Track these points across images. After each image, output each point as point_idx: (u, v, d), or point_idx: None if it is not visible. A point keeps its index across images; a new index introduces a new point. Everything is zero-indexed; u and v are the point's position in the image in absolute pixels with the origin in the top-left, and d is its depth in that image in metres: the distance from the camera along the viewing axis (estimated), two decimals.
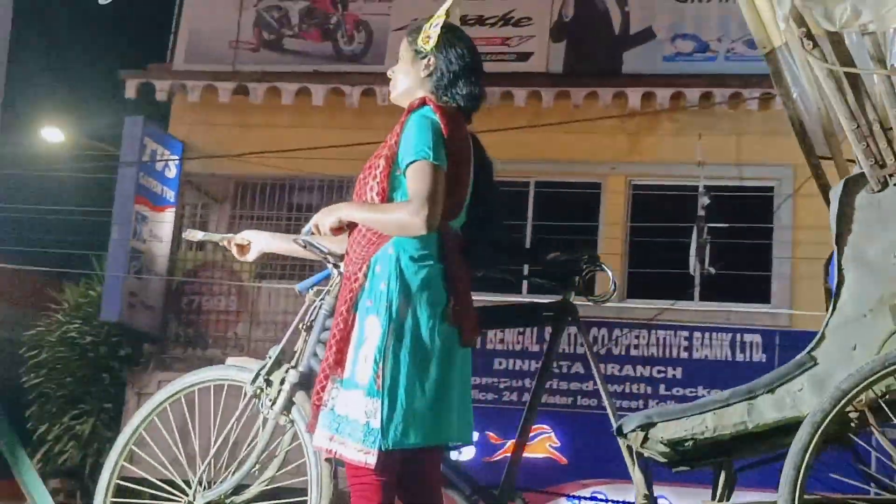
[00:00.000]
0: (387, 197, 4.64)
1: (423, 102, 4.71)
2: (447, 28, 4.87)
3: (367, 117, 18.51)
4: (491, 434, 17.73)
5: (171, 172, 18.72)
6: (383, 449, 4.49)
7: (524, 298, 14.48)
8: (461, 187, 4.77)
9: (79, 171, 20.00)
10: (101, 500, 5.35)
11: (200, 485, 5.21)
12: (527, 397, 15.87)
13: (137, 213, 17.98)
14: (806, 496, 4.49)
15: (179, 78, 19.01)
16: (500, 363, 18.15)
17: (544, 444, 17.78)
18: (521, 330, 18.12)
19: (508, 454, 11.32)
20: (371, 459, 4.51)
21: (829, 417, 4.47)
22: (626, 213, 18.39)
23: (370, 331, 4.58)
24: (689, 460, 5.08)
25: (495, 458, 17.65)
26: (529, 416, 5.20)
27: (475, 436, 4.82)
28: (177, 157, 18.73)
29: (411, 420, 4.55)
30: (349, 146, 17.62)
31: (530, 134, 17.97)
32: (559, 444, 17.64)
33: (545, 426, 17.75)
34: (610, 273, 5.38)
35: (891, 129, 4.67)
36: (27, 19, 24.45)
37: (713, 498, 4.99)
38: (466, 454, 17.41)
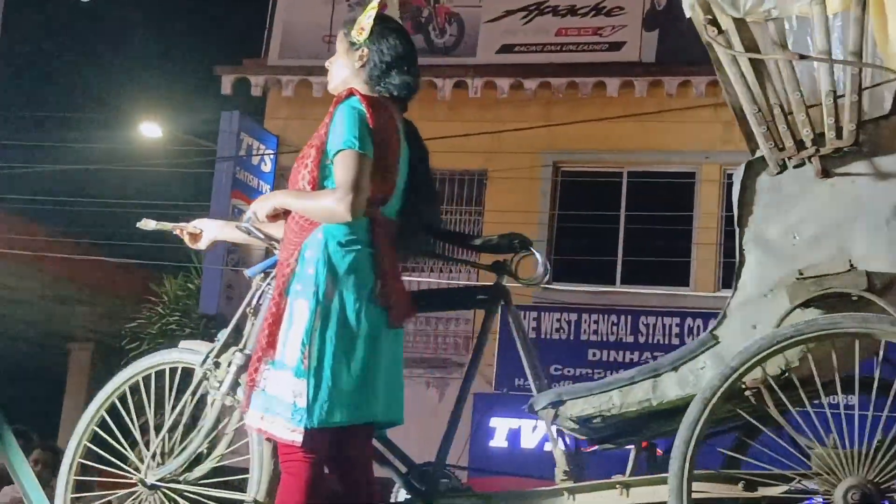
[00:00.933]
0: (317, 185, 4.76)
1: (350, 93, 4.80)
2: (380, 19, 4.98)
3: (458, 109, 18.67)
4: None
5: (267, 166, 18.95)
6: (309, 427, 4.59)
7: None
8: (390, 174, 4.88)
9: (177, 166, 20.28)
10: (64, 477, 5.52)
11: (154, 459, 5.36)
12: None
13: (234, 207, 18.15)
14: (696, 472, 4.53)
15: (274, 73, 19.20)
16: (595, 354, 18.29)
17: None
18: (616, 321, 18.30)
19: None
20: (298, 438, 4.61)
21: (718, 394, 4.49)
22: (720, 203, 18.22)
23: (299, 314, 4.69)
24: (605, 438, 5.13)
25: (591, 449, 17.83)
26: (462, 395, 5.28)
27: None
28: (272, 152, 18.94)
29: (337, 399, 4.66)
30: (441, 138, 17.78)
31: (623, 124, 18.03)
32: None
33: None
34: (539, 257, 5.41)
35: (791, 113, 4.70)
36: (126, 16, 24.85)
37: (626, 475, 5.01)
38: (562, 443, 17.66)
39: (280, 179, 19.06)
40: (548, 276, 5.52)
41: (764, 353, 4.47)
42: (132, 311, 18.87)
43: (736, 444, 5.16)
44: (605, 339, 18.35)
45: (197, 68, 21.42)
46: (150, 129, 21.16)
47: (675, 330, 18.05)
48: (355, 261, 4.73)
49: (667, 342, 17.90)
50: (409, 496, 5.21)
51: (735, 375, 4.49)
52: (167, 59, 23.32)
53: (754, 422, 4.62)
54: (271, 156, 18.99)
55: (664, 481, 4.52)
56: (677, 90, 18.42)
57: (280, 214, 4.92)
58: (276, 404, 4.68)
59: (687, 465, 4.46)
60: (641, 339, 18.18)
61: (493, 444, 18.11)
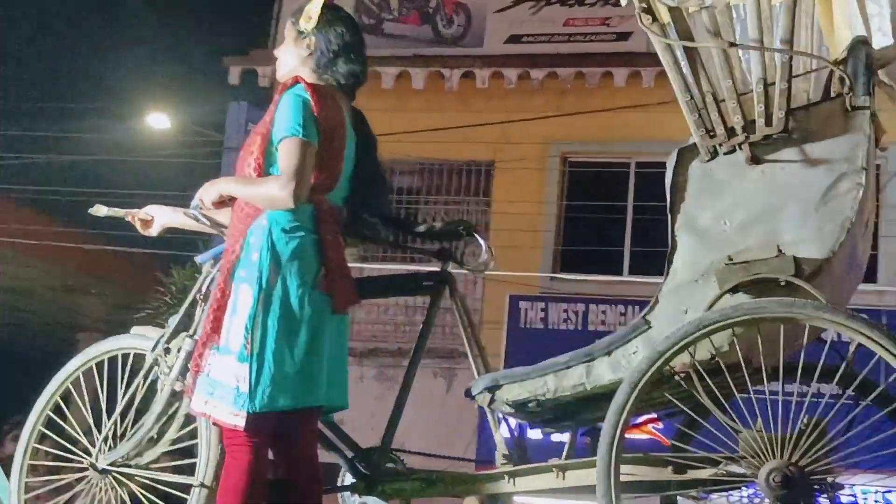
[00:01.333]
0: (262, 171, 4.82)
1: (295, 81, 4.87)
2: (327, 8, 5.02)
3: (466, 100, 18.70)
4: None
5: None
6: (251, 412, 4.64)
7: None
8: (335, 161, 4.94)
9: (185, 157, 20.34)
10: (19, 461, 5.63)
11: (105, 443, 5.44)
12: None
13: None
14: (625, 455, 4.61)
15: None
16: None
17: (648, 427, 17.86)
18: (623, 311, 18.31)
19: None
20: (240, 422, 4.67)
21: (645, 378, 4.55)
22: None
23: (243, 300, 4.74)
24: (544, 422, 5.28)
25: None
26: (407, 382, 5.34)
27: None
28: None
29: (279, 384, 4.71)
30: (449, 129, 17.86)
31: (631, 114, 18.03)
32: (662, 427, 17.72)
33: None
34: (483, 243, 5.52)
35: (723, 100, 4.75)
36: (134, 7, 24.95)
37: (562, 459, 5.12)
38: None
39: None
40: (492, 263, 5.56)
41: (690, 338, 4.53)
42: (140, 300, 18.95)
43: (678, 433, 5.25)
44: (613, 329, 18.24)
45: (205, 59, 21.49)
46: (159, 120, 21.19)
47: None
48: (299, 247, 4.78)
49: None
50: (354, 479, 5.27)
51: (661, 360, 4.56)
52: (175, 50, 23.41)
53: (682, 406, 4.70)
54: None
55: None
56: None
57: (226, 201, 4.95)
58: (220, 389, 4.73)
59: (615, 448, 4.53)
60: None
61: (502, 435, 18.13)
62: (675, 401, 4.69)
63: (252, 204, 4.82)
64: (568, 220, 18.99)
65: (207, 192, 4.97)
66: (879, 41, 4.93)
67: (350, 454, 5.31)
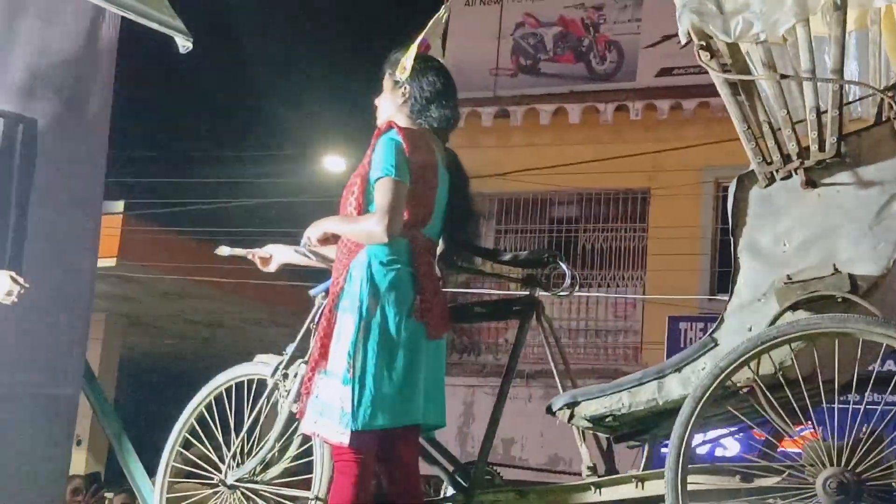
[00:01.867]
0: (362, 210, 4.98)
1: (388, 126, 5.03)
2: (421, 59, 5.20)
3: (620, 132, 18.79)
4: (756, 431, 17.80)
5: None
6: (354, 430, 4.81)
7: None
8: (427, 198, 5.09)
9: None
10: (161, 477, 5.87)
11: (234, 460, 5.66)
12: None
13: None
14: (693, 465, 4.64)
15: None
16: None
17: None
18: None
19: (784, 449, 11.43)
20: (345, 439, 4.84)
21: (708, 392, 4.57)
22: None
23: (346, 328, 4.91)
24: (622, 436, 5.29)
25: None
26: (501, 398, 5.42)
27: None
28: None
29: (379, 404, 4.86)
30: (605, 160, 17.95)
31: None
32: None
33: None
34: (566, 269, 5.53)
35: (779, 129, 4.77)
36: (310, 56, 25.38)
37: (640, 470, 5.15)
38: (732, 450, 17.65)
39: None
40: (576, 287, 5.63)
41: (750, 354, 4.56)
42: None
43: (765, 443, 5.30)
44: None
45: (368, 102, 21.65)
46: (335, 163, 21.63)
47: None
48: (396, 279, 4.94)
49: None
50: (455, 491, 5.37)
51: (723, 375, 4.59)
52: (350, 94, 23.75)
53: (746, 420, 4.77)
54: None
55: None
56: None
57: (330, 238, 5.16)
58: (327, 409, 4.91)
59: (681, 459, 4.57)
60: None
61: (665, 450, 18.12)
62: (738, 414, 4.72)
63: (353, 240, 5.00)
64: (723, 243, 18.90)
65: (313, 231, 5.17)
66: None
67: (451, 468, 5.41)
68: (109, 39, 7.07)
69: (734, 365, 4.59)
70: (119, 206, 18.56)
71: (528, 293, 5.54)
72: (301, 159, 22.38)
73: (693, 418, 4.61)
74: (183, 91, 23.71)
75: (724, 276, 18.59)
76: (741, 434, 5.77)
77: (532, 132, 19.05)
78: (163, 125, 24.34)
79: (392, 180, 4.89)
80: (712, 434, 5.48)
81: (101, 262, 10.23)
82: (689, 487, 4.60)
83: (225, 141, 24.53)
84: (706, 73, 15.81)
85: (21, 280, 5.83)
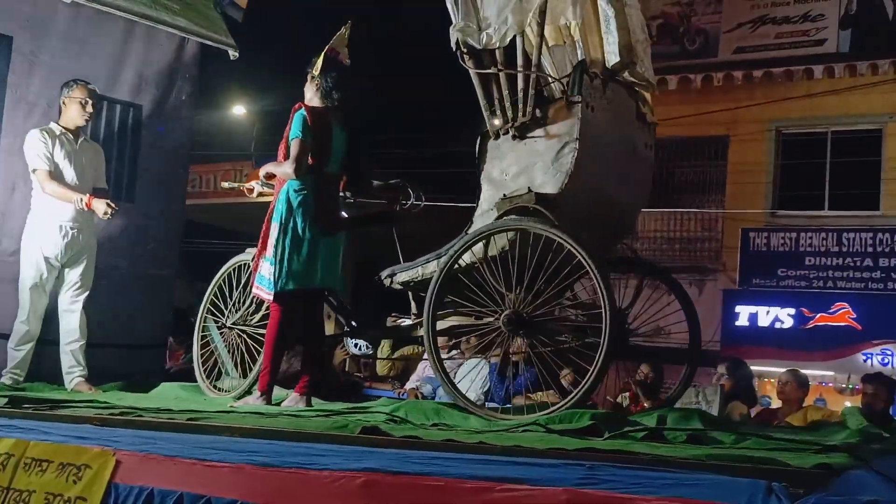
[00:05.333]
0: (286, 158, 5.56)
1: (299, 106, 5.57)
2: (327, 61, 5.68)
3: (706, 95, 18.75)
4: (804, 309, 17.81)
5: None
6: (276, 291, 5.48)
7: None
8: (325, 148, 5.60)
9: None
10: (196, 330, 6.39)
11: (232, 311, 6.21)
12: (830, 284, 16.08)
13: None
14: (440, 312, 5.06)
15: None
16: (810, 260, 18.07)
17: (844, 316, 17.56)
18: (825, 236, 17.97)
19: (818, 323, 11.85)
20: (271, 297, 5.53)
21: (446, 268, 4.99)
22: None
23: (274, 230, 5.55)
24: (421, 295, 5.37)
25: (808, 326, 17.75)
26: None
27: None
28: None
29: (289, 276, 5.48)
30: (696, 115, 18.07)
31: (826, 98, 17.74)
32: (855, 316, 17.36)
33: (845, 303, 17.58)
34: (412, 192, 5.92)
35: (504, 103, 5.14)
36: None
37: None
38: (787, 323, 17.68)
39: None
40: (421, 203, 6.00)
41: (469, 242, 5.02)
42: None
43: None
44: (817, 249, 18.09)
45: None
46: None
47: (868, 241, 17.61)
48: (303, 199, 5.55)
49: (862, 250, 17.58)
50: (347, 329, 6.02)
51: (455, 256, 5.04)
52: None
53: (475, 290, 5.01)
54: None
55: None
56: (867, 70, 17.82)
57: (272, 175, 5.82)
58: (263, 280, 5.61)
59: (432, 307, 5.03)
60: (843, 249, 17.81)
61: (737, 323, 18.26)
62: (468, 283, 4.99)
63: (280, 177, 5.67)
64: (783, 175, 18.78)
65: (261, 171, 5.89)
66: (611, 60, 5.40)
67: (345, 315, 5.94)
68: (193, 53, 7.62)
69: (461, 250, 5.06)
70: None
71: (388, 209, 6.02)
72: None
73: (439, 283, 5.07)
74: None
75: (782, 199, 18.58)
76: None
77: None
78: None
79: (299, 140, 5.49)
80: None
81: None
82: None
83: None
84: (770, 50, 15.88)
85: (114, 205, 6.41)
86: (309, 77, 5.80)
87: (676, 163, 19.17)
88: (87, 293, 6.50)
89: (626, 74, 5.47)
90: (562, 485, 3.26)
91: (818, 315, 17.73)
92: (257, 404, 5.48)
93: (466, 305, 5.07)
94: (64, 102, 6.48)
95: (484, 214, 5.23)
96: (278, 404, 5.51)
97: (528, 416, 4.68)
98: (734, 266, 18.50)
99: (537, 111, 5.12)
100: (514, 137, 5.18)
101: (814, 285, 17.94)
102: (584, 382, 4.68)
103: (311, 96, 5.77)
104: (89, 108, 6.46)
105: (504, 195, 5.10)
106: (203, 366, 6.31)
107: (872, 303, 17.36)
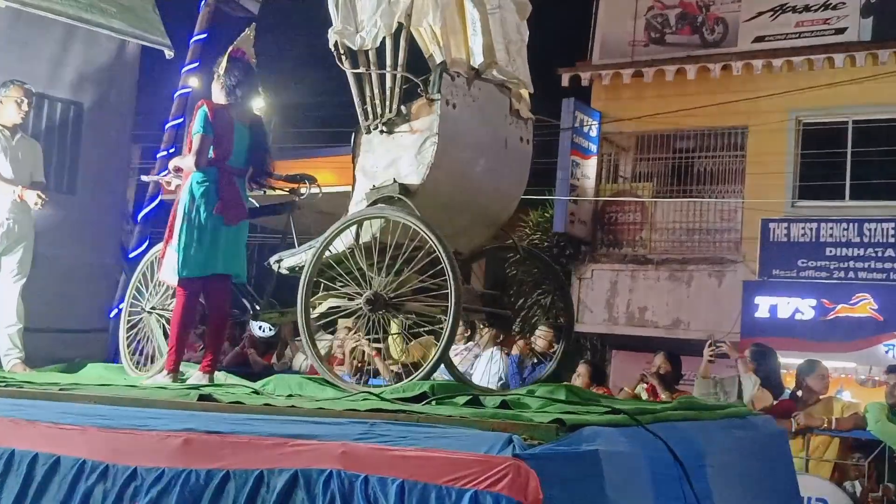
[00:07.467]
0: (190, 152, 5.97)
1: (202, 104, 5.95)
2: (229, 59, 6.06)
3: (725, 84, 18.80)
4: (825, 300, 17.88)
5: (593, 133, 19.59)
6: (180, 276, 5.91)
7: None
8: (226, 143, 5.96)
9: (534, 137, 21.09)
10: (123, 315, 6.81)
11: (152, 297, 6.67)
12: (851, 275, 16.26)
13: (573, 161, 19.08)
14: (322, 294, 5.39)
15: (596, 69, 19.88)
16: (830, 251, 18.13)
17: (866, 307, 17.59)
18: (846, 227, 17.99)
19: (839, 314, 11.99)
20: (175, 282, 5.97)
21: (317, 255, 5.33)
22: None
23: (178, 220, 5.93)
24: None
25: (829, 317, 17.83)
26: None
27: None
28: (596, 122, 19.62)
29: (191, 263, 5.88)
30: (715, 105, 18.24)
31: (847, 86, 17.76)
32: (876, 307, 17.38)
33: (866, 294, 17.62)
34: (309, 184, 6.33)
35: (375, 100, 5.49)
36: None
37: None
38: (808, 314, 17.76)
39: (603, 141, 19.68)
40: (319, 193, 6.41)
41: (337, 231, 5.40)
42: (510, 233, 19.78)
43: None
44: (838, 240, 18.12)
45: (545, 70, 21.96)
46: None
47: (890, 232, 17.63)
48: (205, 191, 5.95)
49: (884, 241, 17.61)
50: (251, 311, 6.37)
51: (325, 244, 5.43)
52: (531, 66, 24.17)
53: (344, 275, 5.45)
54: (596, 125, 19.67)
55: None
56: (888, 58, 17.82)
57: (180, 168, 6.24)
58: (168, 266, 6.06)
59: (307, 289, 5.44)
60: (864, 240, 17.83)
61: (757, 315, 18.36)
62: (338, 269, 5.43)
63: (185, 170, 6.12)
64: (803, 165, 18.84)
65: (170, 164, 6.33)
66: (476, 60, 5.82)
67: (249, 306, 6.34)
68: (133, 52, 8.09)
69: (331, 237, 5.45)
70: None
71: (288, 199, 6.43)
72: None
73: (311, 271, 5.48)
74: None
75: (802, 190, 18.67)
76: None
77: (660, 86, 19.16)
78: None
79: (200, 135, 5.92)
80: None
81: None
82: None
83: None
84: (790, 39, 16.16)
85: (44, 196, 6.94)
86: (215, 76, 6.21)
87: (696, 153, 19.33)
88: (24, 280, 7.08)
89: (494, 73, 5.80)
90: (343, 440, 3.83)
91: (839, 306, 17.75)
92: (165, 381, 5.95)
93: (335, 288, 5.52)
94: (1, 101, 7.07)
95: (357, 204, 5.62)
96: (185, 381, 5.98)
97: (376, 389, 5.16)
98: (754, 257, 18.59)
99: (402, 108, 5.52)
100: (381, 132, 5.58)
101: (834, 276, 17.93)
102: (430, 359, 5.18)
103: (217, 94, 6.19)
104: (25, 107, 7.06)
105: (374, 186, 5.51)
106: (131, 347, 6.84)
107: (894, 293, 17.40)
